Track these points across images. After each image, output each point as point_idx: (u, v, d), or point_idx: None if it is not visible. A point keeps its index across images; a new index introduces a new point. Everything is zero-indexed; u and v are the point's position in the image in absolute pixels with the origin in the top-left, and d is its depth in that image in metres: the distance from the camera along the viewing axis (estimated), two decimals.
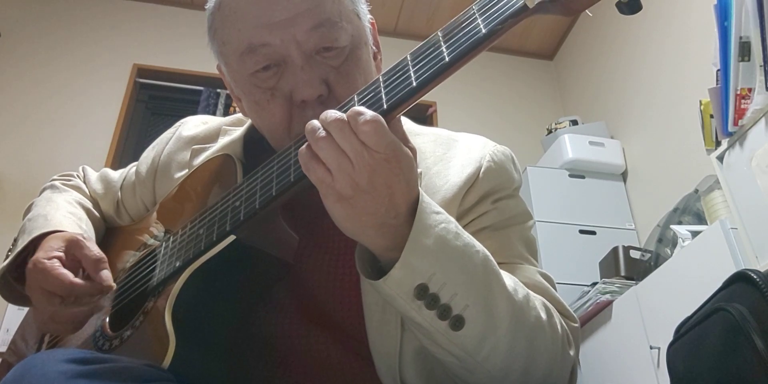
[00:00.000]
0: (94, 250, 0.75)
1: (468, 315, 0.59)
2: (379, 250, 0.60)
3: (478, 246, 0.63)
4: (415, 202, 0.59)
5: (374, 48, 0.81)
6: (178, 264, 0.71)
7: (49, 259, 0.72)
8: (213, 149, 0.88)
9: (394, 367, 0.71)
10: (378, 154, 0.55)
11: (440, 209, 0.62)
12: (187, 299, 0.66)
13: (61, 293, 0.69)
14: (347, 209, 0.57)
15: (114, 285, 0.73)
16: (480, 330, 0.60)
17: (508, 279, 0.65)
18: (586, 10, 0.54)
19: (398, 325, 0.71)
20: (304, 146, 0.58)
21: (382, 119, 0.55)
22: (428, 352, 0.67)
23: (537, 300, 0.68)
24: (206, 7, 0.79)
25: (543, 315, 0.66)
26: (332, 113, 0.57)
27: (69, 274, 0.70)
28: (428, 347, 0.65)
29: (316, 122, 0.57)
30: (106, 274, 0.72)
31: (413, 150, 0.60)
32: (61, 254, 0.73)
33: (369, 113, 0.55)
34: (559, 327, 0.68)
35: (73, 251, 0.74)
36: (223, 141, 0.88)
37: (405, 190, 0.57)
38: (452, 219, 0.63)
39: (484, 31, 0.54)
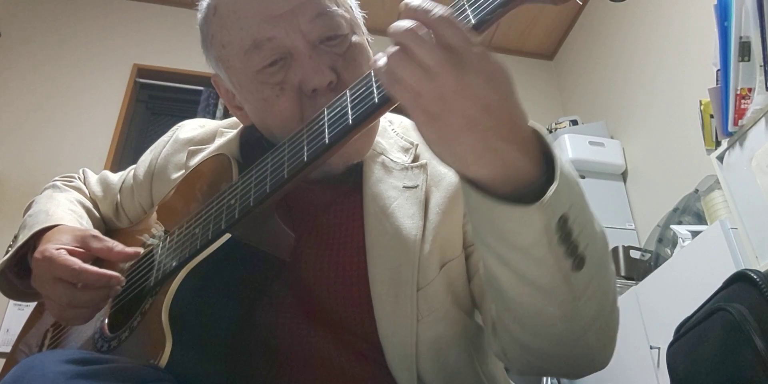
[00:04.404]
0: (110, 240, 0.76)
1: (588, 254, 0.55)
2: (484, 181, 0.52)
3: None
4: (521, 125, 0.51)
5: (369, 39, 0.82)
6: (174, 263, 0.71)
7: (57, 249, 0.72)
8: (209, 150, 0.88)
9: (410, 357, 0.71)
10: (459, 54, 0.47)
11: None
12: (183, 298, 0.66)
13: (71, 279, 0.70)
14: (440, 129, 0.49)
15: (133, 253, 0.74)
16: (591, 272, 0.56)
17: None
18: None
19: (413, 313, 0.71)
20: (382, 62, 0.50)
21: (453, 15, 0.49)
22: (507, 310, 0.61)
23: None
24: (198, 17, 0.79)
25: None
26: (401, 23, 0.49)
27: (78, 260, 0.71)
28: (517, 295, 0.58)
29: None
30: (134, 254, 0.74)
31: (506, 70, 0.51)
32: (69, 247, 0.74)
33: (438, 9, 0.48)
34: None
35: (87, 245, 0.75)
36: (219, 142, 0.89)
37: (501, 105, 0.49)
38: None
39: (474, 21, 0.52)
